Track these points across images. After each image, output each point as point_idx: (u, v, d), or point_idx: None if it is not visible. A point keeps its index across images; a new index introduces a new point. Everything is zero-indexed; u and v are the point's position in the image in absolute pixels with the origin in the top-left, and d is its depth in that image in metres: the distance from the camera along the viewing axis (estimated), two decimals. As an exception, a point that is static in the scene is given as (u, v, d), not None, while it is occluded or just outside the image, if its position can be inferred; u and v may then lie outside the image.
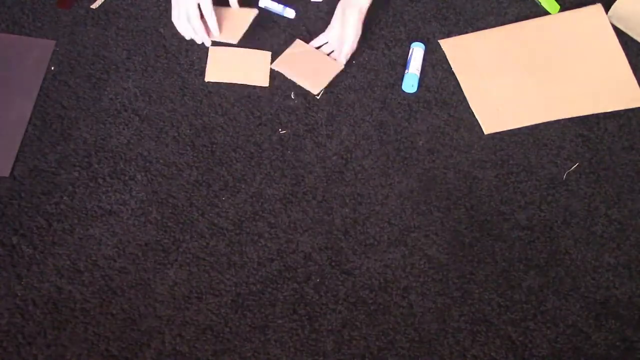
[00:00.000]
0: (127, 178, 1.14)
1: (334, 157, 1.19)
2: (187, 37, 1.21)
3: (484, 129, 1.23)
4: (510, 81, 1.27)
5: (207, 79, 1.23)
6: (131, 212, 1.11)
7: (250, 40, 1.27)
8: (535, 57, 1.29)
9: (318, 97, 1.23)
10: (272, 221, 1.13)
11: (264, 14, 1.31)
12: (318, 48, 1.28)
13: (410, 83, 1.25)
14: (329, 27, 1.26)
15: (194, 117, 1.20)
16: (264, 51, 1.26)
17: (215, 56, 1.25)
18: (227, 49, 1.25)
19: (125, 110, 1.20)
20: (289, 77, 1.24)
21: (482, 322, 1.08)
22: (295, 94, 1.24)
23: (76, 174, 1.14)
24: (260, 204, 1.14)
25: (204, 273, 1.08)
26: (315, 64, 1.24)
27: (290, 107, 1.22)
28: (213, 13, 1.18)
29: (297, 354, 1.04)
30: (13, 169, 1.13)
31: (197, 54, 1.25)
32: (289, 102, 1.23)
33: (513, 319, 1.09)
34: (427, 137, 1.22)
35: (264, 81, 1.24)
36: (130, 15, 1.28)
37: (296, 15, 1.31)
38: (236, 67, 1.24)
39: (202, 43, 1.23)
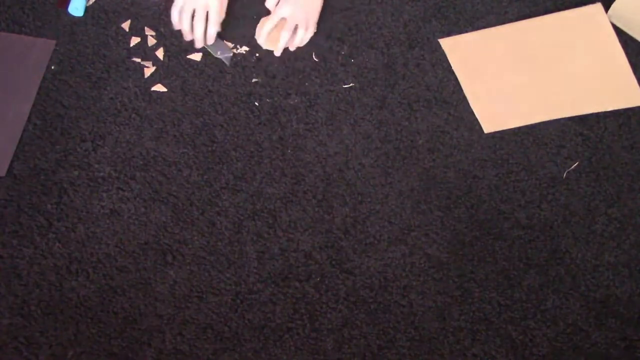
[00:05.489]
0: (127, 177, 1.14)
1: (334, 156, 1.19)
2: (180, 28, 1.22)
3: (484, 128, 1.23)
4: (510, 80, 1.27)
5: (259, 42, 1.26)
6: (131, 211, 1.12)
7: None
8: (535, 56, 1.29)
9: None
10: (272, 220, 1.13)
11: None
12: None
13: (75, 6, 1.25)
14: None
15: (195, 116, 1.20)
16: None
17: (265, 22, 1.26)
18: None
19: (126, 110, 1.20)
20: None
21: (482, 321, 1.08)
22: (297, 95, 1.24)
23: (76, 173, 1.14)
24: (260, 203, 1.14)
25: (204, 272, 1.08)
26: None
27: (290, 107, 1.22)
28: (218, 22, 1.20)
29: (297, 352, 1.04)
30: (12, 168, 1.13)
31: (197, 53, 1.26)
32: (289, 101, 1.23)
33: (513, 317, 1.09)
34: (427, 136, 1.22)
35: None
36: (130, 15, 1.28)
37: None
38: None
39: (191, 41, 1.23)
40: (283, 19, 1.23)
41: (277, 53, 1.25)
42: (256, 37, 1.27)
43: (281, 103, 1.23)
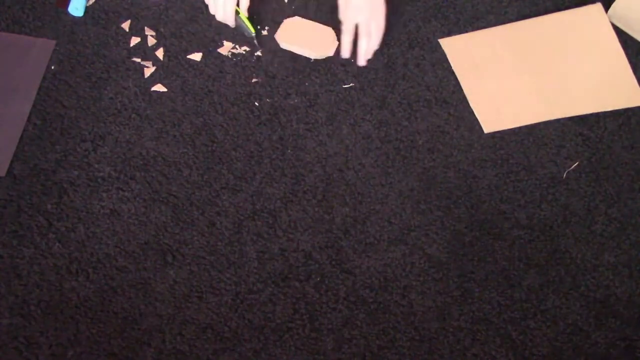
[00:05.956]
0: (127, 177, 1.14)
1: (334, 156, 1.19)
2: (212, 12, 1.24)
3: (484, 128, 1.23)
4: (510, 80, 1.27)
5: (278, 40, 1.27)
6: (131, 211, 1.12)
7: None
8: (535, 56, 1.29)
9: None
10: (272, 220, 1.13)
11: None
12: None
13: (75, 6, 1.25)
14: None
15: (195, 116, 1.20)
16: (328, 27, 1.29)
17: (288, 23, 1.28)
18: (300, 20, 1.28)
19: (126, 110, 1.20)
20: (293, 50, 1.26)
21: (482, 321, 1.08)
22: (297, 93, 1.24)
23: (76, 172, 1.14)
24: (260, 202, 1.14)
25: (204, 272, 1.08)
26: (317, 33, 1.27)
27: (290, 107, 1.22)
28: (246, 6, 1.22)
29: (297, 352, 1.04)
30: (12, 168, 1.13)
31: (197, 53, 1.26)
32: (289, 101, 1.23)
33: (513, 317, 1.09)
34: (427, 136, 1.22)
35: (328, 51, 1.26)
36: (130, 15, 1.28)
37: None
38: (306, 37, 1.25)
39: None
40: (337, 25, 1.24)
41: (347, 54, 1.24)
42: (281, 37, 1.26)
43: (281, 103, 1.23)
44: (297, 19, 1.28)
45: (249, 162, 1.17)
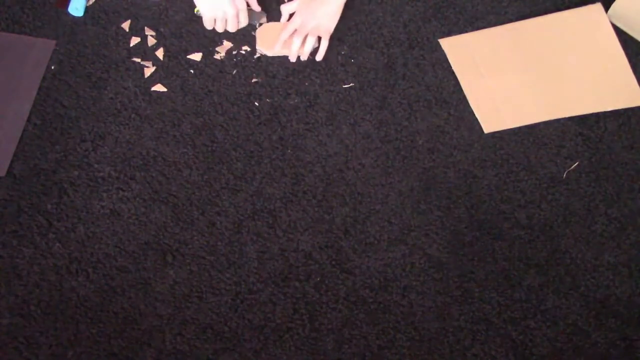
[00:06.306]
0: (127, 177, 1.14)
1: (334, 156, 1.19)
2: (212, 27, 1.25)
3: (483, 128, 1.23)
4: (510, 80, 1.27)
5: (257, 48, 1.26)
6: (131, 211, 1.12)
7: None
8: (535, 56, 1.29)
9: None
10: (272, 220, 1.13)
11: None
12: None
13: (75, 6, 1.25)
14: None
15: (195, 116, 1.20)
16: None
17: (265, 28, 1.27)
18: (274, 24, 1.27)
19: (126, 110, 1.20)
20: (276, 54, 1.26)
21: (482, 321, 1.08)
22: (296, 93, 1.24)
23: (76, 173, 1.14)
24: (260, 202, 1.14)
25: (204, 272, 1.08)
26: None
27: (290, 107, 1.22)
28: (245, 22, 1.24)
29: (297, 352, 1.04)
30: (12, 168, 1.13)
31: (197, 53, 1.26)
32: (289, 101, 1.23)
33: (513, 317, 1.09)
34: (427, 136, 1.22)
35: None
36: (130, 15, 1.28)
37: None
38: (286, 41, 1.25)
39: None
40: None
41: (292, 59, 1.24)
42: (259, 45, 1.26)
43: (281, 103, 1.23)
44: (271, 24, 1.28)
45: (249, 162, 1.17)
